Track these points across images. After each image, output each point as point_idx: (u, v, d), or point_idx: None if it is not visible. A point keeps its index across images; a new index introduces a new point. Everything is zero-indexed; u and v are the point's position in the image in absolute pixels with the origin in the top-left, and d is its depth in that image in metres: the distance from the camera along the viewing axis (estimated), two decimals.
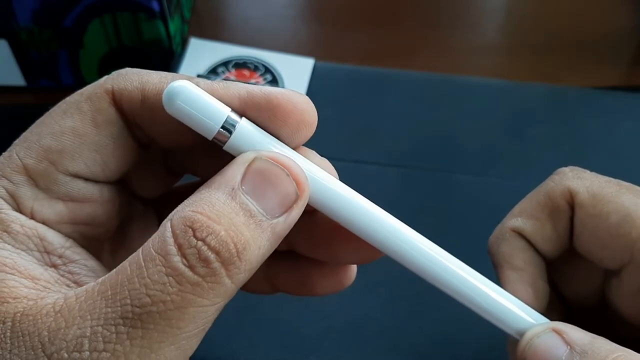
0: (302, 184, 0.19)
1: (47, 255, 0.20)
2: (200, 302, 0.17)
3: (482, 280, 0.21)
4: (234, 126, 0.19)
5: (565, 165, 0.25)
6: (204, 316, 0.17)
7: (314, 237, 0.23)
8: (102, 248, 0.23)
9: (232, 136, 0.19)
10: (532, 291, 0.23)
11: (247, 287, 0.25)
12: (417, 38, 0.51)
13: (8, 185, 0.20)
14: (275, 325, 0.33)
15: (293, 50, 0.47)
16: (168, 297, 0.17)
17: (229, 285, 0.17)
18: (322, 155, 0.22)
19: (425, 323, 0.33)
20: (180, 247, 0.17)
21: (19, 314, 0.17)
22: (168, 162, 0.24)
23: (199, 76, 0.44)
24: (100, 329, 0.17)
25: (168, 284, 0.17)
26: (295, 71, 0.45)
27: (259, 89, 0.20)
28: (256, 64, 0.46)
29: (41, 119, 0.21)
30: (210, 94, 0.19)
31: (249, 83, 0.47)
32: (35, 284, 0.18)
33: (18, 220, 0.19)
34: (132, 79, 0.20)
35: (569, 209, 0.24)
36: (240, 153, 0.19)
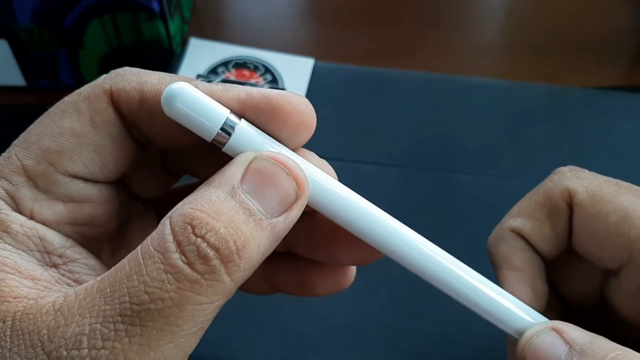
0: (302, 183, 0.19)
1: (47, 255, 0.20)
2: (198, 300, 0.17)
3: (481, 280, 0.21)
4: (233, 128, 0.19)
5: (565, 165, 0.25)
6: (202, 314, 0.17)
7: (313, 238, 0.23)
8: (102, 248, 0.23)
9: (231, 138, 0.19)
10: (531, 291, 0.23)
11: (247, 288, 0.25)
12: (417, 38, 0.51)
13: (7, 186, 0.20)
14: (275, 325, 0.33)
15: (293, 50, 0.47)
16: (166, 295, 0.17)
17: (228, 283, 0.17)
18: (322, 155, 0.22)
19: (425, 323, 0.33)
20: (179, 244, 0.17)
21: (19, 313, 0.17)
22: (167, 163, 0.24)
23: (199, 76, 0.44)
24: (99, 326, 0.17)
25: (167, 282, 0.17)
26: (295, 71, 0.45)
27: (258, 91, 0.20)
28: (256, 64, 0.46)
29: (39, 119, 0.21)
30: (210, 96, 0.19)
31: (248, 83, 0.47)
32: (36, 284, 0.18)
33: (18, 221, 0.19)
34: (130, 79, 0.20)
35: (568, 208, 0.24)
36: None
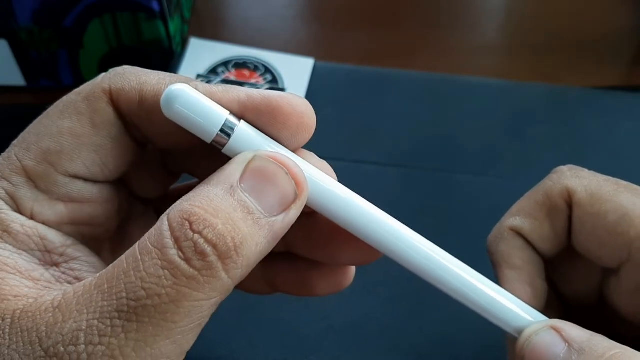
0: (301, 183, 0.19)
1: (47, 254, 0.20)
2: (195, 296, 0.17)
3: (480, 279, 0.21)
4: (232, 129, 0.19)
5: (565, 165, 0.25)
6: (199, 311, 0.17)
7: (313, 238, 0.23)
8: (102, 248, 0.23)
9: (230, 139, 0.19)
10: (530, 290, 0.23)
11: (247, 288, 0.25)
12: (417, 38, 0.51)
13: (8, 187, 0.20)
14: (275, 325, 0.33)
15: (293, 50, 0.47)
16: (163, 291, 0.17)
17: (225, 279, 0.17)
18: (322, 155, 0.22)
19: (425, 323, 0.33)
20: (176, 240, 0.17)
21: (18, 311, 0.17)
22: (167, 162, 0.24)
23: (198, 76, 0.44)
24: (95, 322, 0.17)
25: (163, 277, 0.17)
26: (295, 71, 0.45)
27: (259, 92, 0.20)
28: (256, 64, 0.46)
29: (39, 119, 0.20)
30: (210, 98, 0.19)
31: (248, 83, 0.47)
32: (36, 284, 0.19)
33: (18, 221, 0.19)
34: (129, 79, 0.20)
35: (567, 207, 0.24)
36: None
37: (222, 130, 0.19)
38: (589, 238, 0.23)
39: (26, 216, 0.20)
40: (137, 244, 0.18)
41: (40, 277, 0.19)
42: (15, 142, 0.20)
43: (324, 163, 0.21)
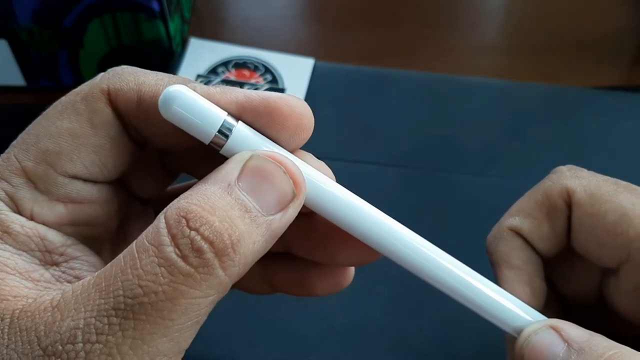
0: (299, 182, 0.19)
1: (48, 254, 0.20)
2: (192, 294, 0.17)
3: (479, 279, 0.21)
4: (230, 130, 0.19)
5: (565, 165, 0.25)
6: (196, 308, 0.17)
7: (311, 239, 0.23)
8: (102, 248, 0.23)
9: (228, 140, 0.19)
10: (529, 290, 0.23)
11: (246, 288, 0.25)
12: (417, 38, 0.51)
13: (7, 188, 0.20)
14: (275, 325, 0.33)
15: (293, 50, 0.47)
16: (160, 288, 0.17)
17: (222, 277, 0.17)
18: (321, 155, 0.22)
19: (425, 323, 0.33)
20: (173, 237, 0.17)
21: (17, 311, 0.17)
22: (165, 162, 0.24)
23: (199, 76, 0.44)
24: (93, 320, 0.17)
25: (160, 275, 0.17)
26: (295, 71, 0.45)
27: (257, 93, 0.20)
28: (256, 64, 0.46)
29: (37, 119, 0.20)
30: (207, 99, 0.19)
31: (248, 83, 0.47)
32: (36, 284, 0.19)
33: (18, 222, 0.19)
34: (128, 79, 0.20)
35: (567, 207, 0.24)
36: None
37: (220, 132, 0.19)
38: (588, 238, 0.23)
39: (26, 217, 0.20)
40: (134, 242, 0.18)
41: (40, 278, 0.19)
42: (14, 143, 0.20)
43: (322, 164, 0.21)
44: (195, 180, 0.24)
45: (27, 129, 0.20)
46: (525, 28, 0.52)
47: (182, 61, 0.45)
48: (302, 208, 0.20)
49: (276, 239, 0.19)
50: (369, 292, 0.34)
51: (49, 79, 0.45)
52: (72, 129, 0.20)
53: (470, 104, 0.44)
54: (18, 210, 0.20)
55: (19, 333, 0.17)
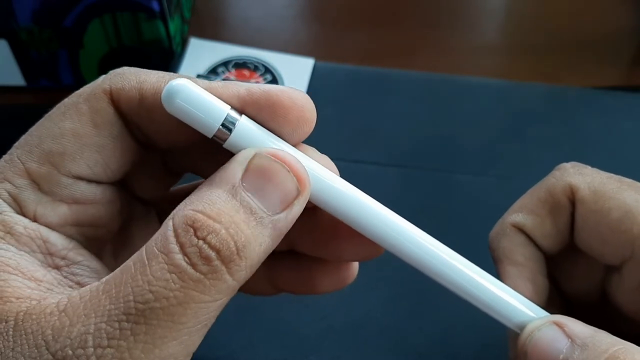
0: (303, 180, 0.19)
1: (50, 257, 0.20)
2: (202, 298, 0.17)
3: (482, 275, 0.21)
4: (233, 124, 0.19)
5: None
6: (205, 312, 0.17)
7: (315, 234, 0.23)
8: (104, 249, 0.23)
9: (232, 134, 0.19)
10: (531, 286, 0.23)
11: (250, 289, 0.25)
12: (417, 38, 0.51)
13: (11, 189, 0.20)
14: (275, 325, 0.33)
15: (293, 50, 0.47)
16: (171, 293, 0.17)
17: (230, 282, 0.18)
18: None
19: (425, 323, 0.33)
20: (182, 246, 0.17)
21: (21, 313, 0.17)
22: (168, 162, 0.24)
23: (198, 76, 0.44)
24: (104, 325, 0.17)
25: (171, 281, 0.17)
26: (295, 71, 0.45)
27: (258, 87, 0.20)
28: (256, 64, 0.46)
29: (40, 121, 0.21)
30: (210, 93, 0.19)
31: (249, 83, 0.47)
32: (39, 285, 0.19)
33: (21, 223, 0.19)
34: (129, 79, 0.20)
35: (570, 204, 0.24)
36: (240, 151, 0.19)
37: (223, 125, 0.19)
38: (591, 235, 0.23)
39: (29, 218, 0.20)
40: (143, 248, 0.18)
41: (43, 278, 0.19)
42: (17, 144, 0.20)
43: (326, 157, 0.21)
44: (199, 181, 0.24)
45: (29, 130, 0.21)
46: (525, 28, 0.52)
47: (182, 61, 0.45)
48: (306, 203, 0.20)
49: (282, 236, 0.19)
50: (370, 292, 0.34)
51: (49, 79, 0.45)
52: (75, 130, 0.20)
53: (470, 104, 0.44)
54: (21, 212, 0.20)
55: (24, 336, 0.17)
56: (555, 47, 0.50)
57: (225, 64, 0.46)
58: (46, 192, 0.20)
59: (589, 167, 0.25)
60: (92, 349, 0.16)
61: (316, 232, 0.23)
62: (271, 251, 0.19)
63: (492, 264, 0.25)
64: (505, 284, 0.23)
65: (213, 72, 0.45)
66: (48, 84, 0.45)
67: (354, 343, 0.33)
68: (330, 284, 0.24)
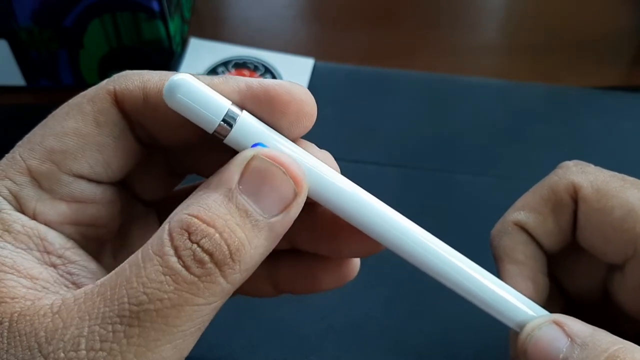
0: (300, 182, 0.19)
1: (47, 255, 0.20)
2: (196, 301, 0.17)
3: (483, 273, 0.21)
4: (234, 119, 0.19)
5: None
6: (200, 315, 0.17)
7: (315, 231, 0.23)
8: (103, 249, 0.23)
9: (232, 129, 0.19)
10: (532, 285, 0.23)
11: (250, 291, 0.25)
12: (417, 38, 0.51)
13: (11, 186, 0.20)
14: (275, 325, 0.33)
15: (293, 50, 0.47)
16: (165, 295, 0.17)
17: (224, 285, 0.18)
18: None
19: (425, 323, 0.33)
20: (176, 249, 0.17)
21: (16, 314, 0.17)
22: (170, 163, 0.24)
23: None
24: (97, 327, 0.17)
25: (165, 283, 0.17)
26: (295, 71, 0.45)
27: (257, 81, 0.20)
28: (256, 64, 0.46)
29: (44, 121, 0.21)
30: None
31: None
32: (34, 283, 0.19)
33: (20, 220, 0.19)
34: (133, 79, 0.21)
35: (573, 203, 0.24)
36: (241, 146, 0.19)
37: (224, 120, 0.19)
38: (594, 233, 0.23)
39: (29, 216, 0.20)
40: (139, 251, 0.18)
41: (39, 276, 0.19)
42: (20, 142, 0.20)
43: (326, 153, 0.21)
44: (200, 181, 0.24)
45: (33, 130, 0.21)
46: (525, 28, 0.52)
47: (182, 61, 0.45)
48: (306, 199, 0.20)
49: (280, 238, 0.19)
50: (370, 292, 0.34)
51: (49, 79, 0.45)
52: (78, 129, 0.20)
53: (470, 104, 0.44)
54: (21, 209, 0.20)
55: (18, 338, 0.17)
56: (555, 47, 0.50)
57: (225, 64, 0.46)
58: (46, 189, 0.20)
59: (592, 166, 0.24)
60: (84, 352, 0.16)
61: (317, 228, 0.23)
62: (269, 253, 0.19)
63: (492, 264, 0.25)
64: (506, 282, 0.23)
65: (213, 72, 0.45)
66: (48, 84, 0.45)
67: (354, 343, 0.33)
68: (331, 281, 0.24)
